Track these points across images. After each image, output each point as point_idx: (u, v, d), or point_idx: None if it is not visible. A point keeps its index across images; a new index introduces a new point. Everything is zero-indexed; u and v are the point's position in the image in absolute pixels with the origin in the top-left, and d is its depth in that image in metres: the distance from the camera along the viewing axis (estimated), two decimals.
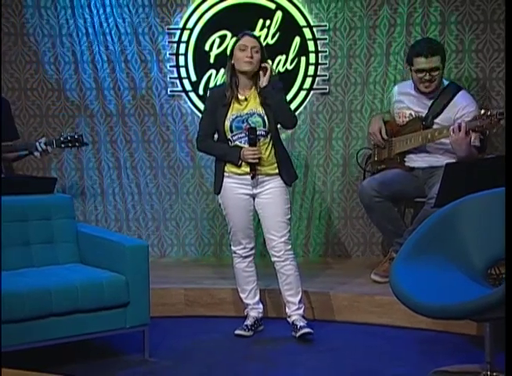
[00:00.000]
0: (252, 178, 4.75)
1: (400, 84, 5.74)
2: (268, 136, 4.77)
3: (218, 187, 4.87)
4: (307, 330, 4.77)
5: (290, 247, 4.85)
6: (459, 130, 5.04)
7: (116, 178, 6.53)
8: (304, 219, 6.42)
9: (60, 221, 4.81)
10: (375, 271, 5.52)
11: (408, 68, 5.54)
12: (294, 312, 4.86)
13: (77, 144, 5.45)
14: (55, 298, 4.16)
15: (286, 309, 4.90)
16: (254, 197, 4.84)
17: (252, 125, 4.72)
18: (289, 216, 4.85)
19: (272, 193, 4.79)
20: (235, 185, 4.81)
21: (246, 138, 4.73)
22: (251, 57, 4.71)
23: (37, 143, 5.36)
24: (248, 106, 4.77)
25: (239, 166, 4.76)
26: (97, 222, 6.54)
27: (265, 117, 4.73)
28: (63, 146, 5.43)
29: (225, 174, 4.83)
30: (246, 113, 4.75)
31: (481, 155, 5.46)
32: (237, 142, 4.76)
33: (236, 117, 4.75)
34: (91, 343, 4.62)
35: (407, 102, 5.56)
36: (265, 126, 4.74)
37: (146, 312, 4.47)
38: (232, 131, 4.76)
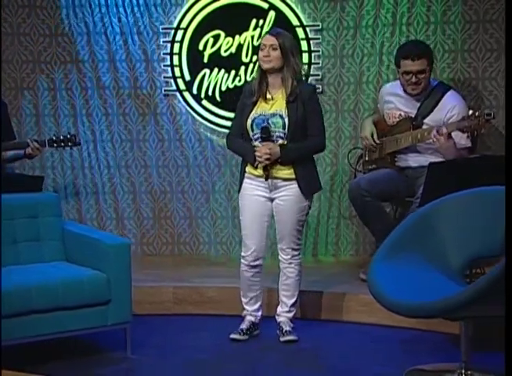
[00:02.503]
0: (266, 179, 4.68)
1: (389, 85, 5.75)
2: (287, 139, 4.64)
3: (239, 187, 4.84)
4: (292, 337, 4.79)
5: (298, 252, 4.82)
6: (441, 135, 5.08)
7: (111, 177, 6.58)
8: None
9: (47, 219, 4.86)
10: (363, 270, 5.53)
11: (396, 70, 5.57)
12: (284, 314, 4.88)
13: (70, 144, 5.52)
14: (35, 295, 4.20)
15: (278, 307, 4.91)
16: (271, 200, 4.76)
17: (267, 125, 4.63)
18: (302, 223, 4.79)
19: (286, 200, 4.71)
20: (253, 186, 4.75)
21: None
22: (268, 56, 4.62)
23: (29, 142, 5.42)
24: (274, 106, 4.67)
25: (256, 167, 4.69)
26: (92, 221, 6.60)
27: (286, 119, 4.62)
28: (55, 145, 5.49)
29: (246, 174, 4.77)
30: (271, 113, 4.66)
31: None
32: (256, 142, 4.68)
33: (259, 115, 4.68)
34: (76, 340, 4.65)
35: (396, 102, 5.57)
36: (284, 128, 4.63)
37: (127, 310, 4.51)
38: (252, 130, 4.69)
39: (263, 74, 4.70)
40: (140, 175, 6.56)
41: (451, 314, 3.79)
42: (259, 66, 4.71)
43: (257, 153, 4.62)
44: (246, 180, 4.77)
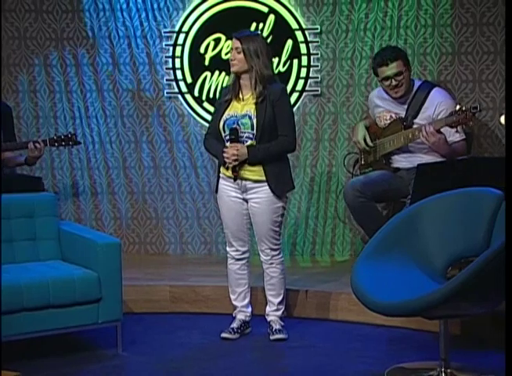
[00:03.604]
0: (234, 180, 4.78)
1: (376, 90, 5.84)
2: (256, 140, 4.73)
3: (216, 187, 4.94)
4: (281, 335, 4.88)
5: (277, 252, 4.91)
6: (431, 133, 5.15)
7: (115, 178, 6.73)
8: (298, 219, 6.54)
9: (43, 219, 4.97)
10: None
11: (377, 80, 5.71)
12: (273, 313, 4.98)
13: (70, 143, 5.66)
14: (26, 293, 4.32)
15: (267, 307, 5.01)
16: (246, 200, 4.85)
17: (236, 126, 4.72)
18: (278, 223, 4.85)
19: (260, 202, 4.78)
20: (227, 187, 4.85)
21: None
22: (233, 59, 4.74)
23: (31, 143, 5.56)
24: (245, 107, 4.76)
25: (227, 168, 4.79)
26: (97, 221, 6.74)
27: (255, 120, 4.71)
28: (56, 144, 5.63)
29: (220, 175, 4.88)
30: (242, 115, 4.74)
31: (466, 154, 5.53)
32: (227, 143, 4.76)
33: (231, 116, 4.77)
34: (68, 338, 4.76)
35: (385, 105, 5.66)
36: (252, 129, 4.72)
37: (118, 308, 4.61)
38: (224, 131, 4.79)
39: (236, 75, 4.80)
40: (143, 176, 6.70)
41: (425, 313, 3.86)
42: None
43: (224, 154, 4.71)
44: (221, 181, 4.88)
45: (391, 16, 6.22)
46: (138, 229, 6.75)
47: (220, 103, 4.89)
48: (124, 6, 6.54)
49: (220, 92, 5.04)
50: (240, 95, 4.80)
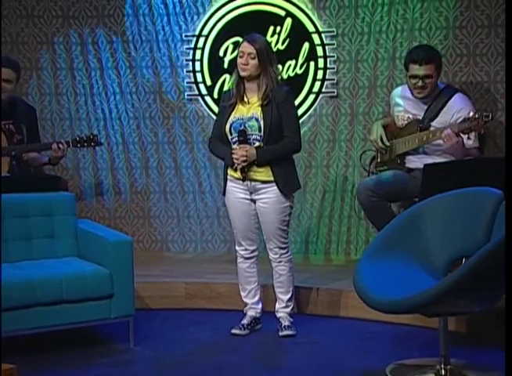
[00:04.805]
0: (243, 180, 4.90)
1: (399, 88, 5.88)
2: (263, 142, 4.83)
3: (223, 189, 5.07)
4: (289, 332, 5.01)
5: (286, 250, 5.03)
6: (450, 137, 5.21)
7: (138, 178, 6.92)
8: (314, 218, 6.67)
9: (61, 217, 5.16)
10: None
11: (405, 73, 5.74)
12: (282, 310, 5.10)
13: (92, 144, 5.85)
14: (39, 288, 4.51)
15: (276, 304, 5.13)
16: (254, 201, 4.97)
17: (244, 128, 4.82)
18: (286, 222, 4.96)
19: (268, 202, 4.90)
20: (235, 189, 4.97)
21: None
22: (246, 64, 4.82)
23: (54, 144, 5.75)
24: (251, 109, 4.87)
25: (236, 170, 4.92)
26: (121, 219, 6.95)
27: (262, 122, 4.81)
28: (78, 145, 5.82)
29: (228, 177, 4.99)
30: (248, 117, 4.85)
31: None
32: (235, 145, 4.87)
33: (237, 119, 4.87)
34: (83, 333, 4.91)
35: (405, 105, 5.72)
36: (260, 131, 4.84)
37: (130, 304, 4.77)
38: (231, 133, 4.90)
39: (240, 78, 4.89)
40: (166, 176, 6.88)
41: (423, 310, 3.94)
42: (237, 71, 4.89)
43: (234, 156, 4.83)
44: (228, 183, 4.99)
45: (406, 18, 6.30)
46: (160, 227, 6.93)
47: (224, 106, 4.99)
48: (147, 11, 6.73)
49: (222, 95, 5.16)
50: (245, 99, 4.90)
